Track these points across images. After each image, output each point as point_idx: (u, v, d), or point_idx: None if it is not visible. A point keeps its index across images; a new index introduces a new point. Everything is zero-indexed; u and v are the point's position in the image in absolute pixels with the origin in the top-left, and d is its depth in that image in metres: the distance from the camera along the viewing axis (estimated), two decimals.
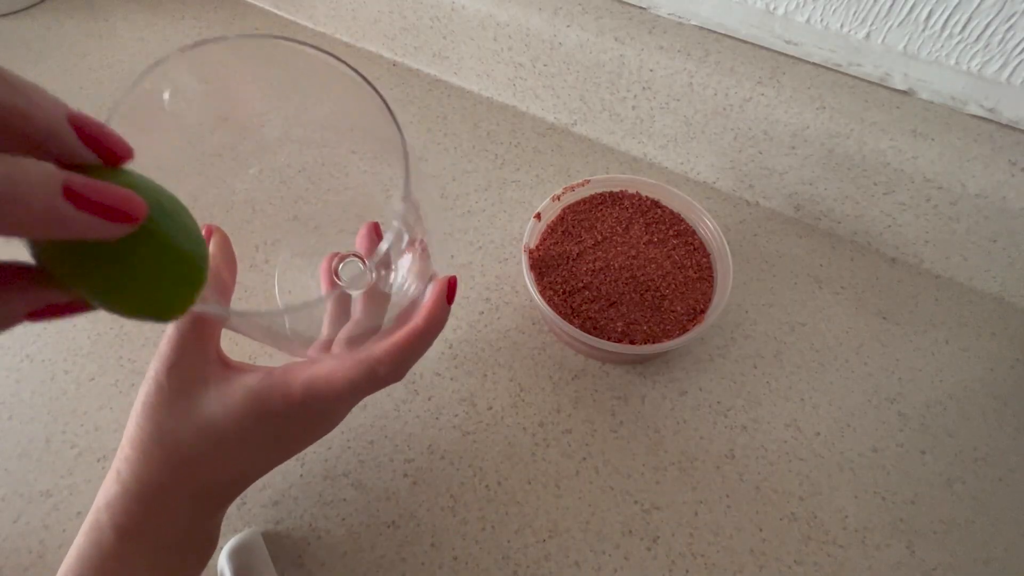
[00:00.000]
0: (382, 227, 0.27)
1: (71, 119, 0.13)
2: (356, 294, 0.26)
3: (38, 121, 0.12)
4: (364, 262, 0.25)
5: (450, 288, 0.24)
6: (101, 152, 0.13)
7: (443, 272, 0.26)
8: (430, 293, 0.24)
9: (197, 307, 0.15)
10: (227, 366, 0.24)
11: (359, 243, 0.26)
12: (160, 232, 0.13)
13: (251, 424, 0.23)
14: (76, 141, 0.13)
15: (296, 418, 0.23)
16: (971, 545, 0.31)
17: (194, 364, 0.23)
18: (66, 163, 0.12)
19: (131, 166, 0.14)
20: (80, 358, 0.36)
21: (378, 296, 0.26)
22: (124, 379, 0.36)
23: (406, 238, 0.23)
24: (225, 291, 0.24)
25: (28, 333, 0.37)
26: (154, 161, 0.22)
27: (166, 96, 0.20)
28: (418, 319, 0.24)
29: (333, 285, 0.26)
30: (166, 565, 0.23)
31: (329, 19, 0.56)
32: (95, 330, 0.37)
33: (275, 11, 0.59)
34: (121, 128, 0.15)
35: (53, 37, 0.56)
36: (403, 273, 0.24)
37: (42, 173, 0.11)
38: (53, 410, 0.34)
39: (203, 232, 0.23)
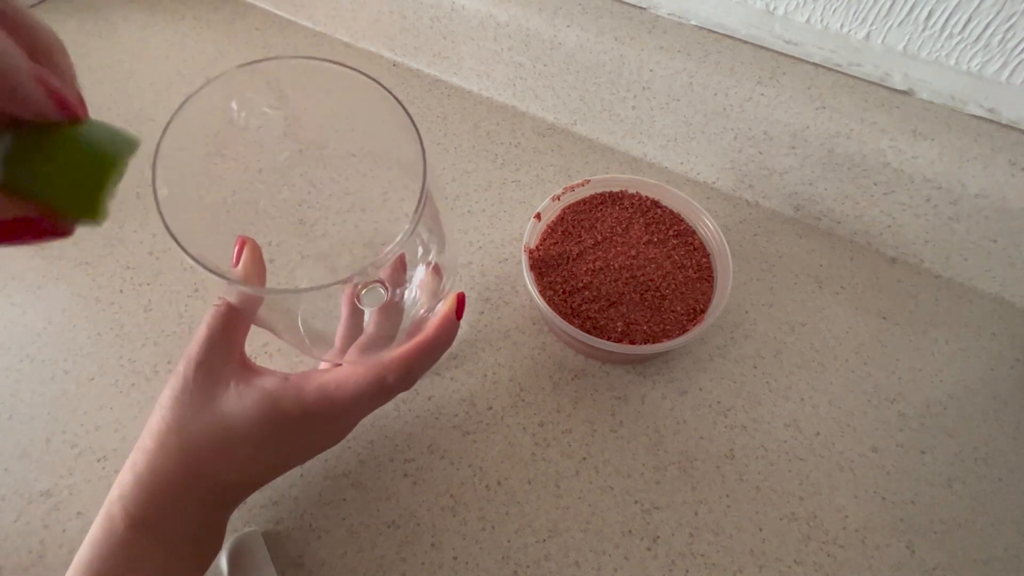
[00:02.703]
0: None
1: (38, 78, 0.15)
2: (370, 309, 0.27)
3: (9, 78, 0.14)
4: (386, 288, 0.27)
5: (459, 304, 0.26)
6: (63, 111, 0.16)
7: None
8: (440, 308, 0.26)
9: (237, 287, 0.21)
10: (248, 368, 0.26)
11: (384, 272, 0.27)
12: (86, 138, 0.16)
13: (263, 424, 0.24)
14: (44, 98, 0.15)
15: (306, 422, 0.24)
16: (971, 545, 0.31)
17: (219, 363, 0.25)
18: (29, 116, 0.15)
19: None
20: (80, 358, 0.36)
21: (391, 312, 0.27)
22: (124, 379, 0.36)
23: (420, 252, 0.24)
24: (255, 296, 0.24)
25: (28, 333, 0.37)
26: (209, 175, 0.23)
27: (233, 106, 0.22)
28: (427, 331, 0.25)
29: (354, 309, 0.27)
30: (173, 558, 0.24)
31: (329, 19, 0.56)
32: (95, 330, 0.37)
33: (275, 11, 0.59)
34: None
35: None
36: (415, 288, 0.25)
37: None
38: (53, 410, 0.34)
39: (236, 244, 0.25)
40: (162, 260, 0.41)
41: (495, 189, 0.45)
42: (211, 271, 0.18)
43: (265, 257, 0.39)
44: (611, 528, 0.31)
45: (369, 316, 0.27)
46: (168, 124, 0.20)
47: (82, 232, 0.47)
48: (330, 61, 0.20)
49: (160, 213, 0.19)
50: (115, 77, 0.52)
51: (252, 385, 0.24)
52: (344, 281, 0.18)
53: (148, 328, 0.38)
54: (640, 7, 0.43)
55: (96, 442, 0.33)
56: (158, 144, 0.19)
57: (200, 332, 0.25)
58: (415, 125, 0.20)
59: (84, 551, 0.23)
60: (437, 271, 0.25)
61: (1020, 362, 0.37)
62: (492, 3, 0.44)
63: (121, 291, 0.39)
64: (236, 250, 0.25)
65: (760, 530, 0.31)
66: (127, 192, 0.40)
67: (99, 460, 0.33)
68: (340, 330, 0.27)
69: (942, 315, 0.39)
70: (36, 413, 0.34)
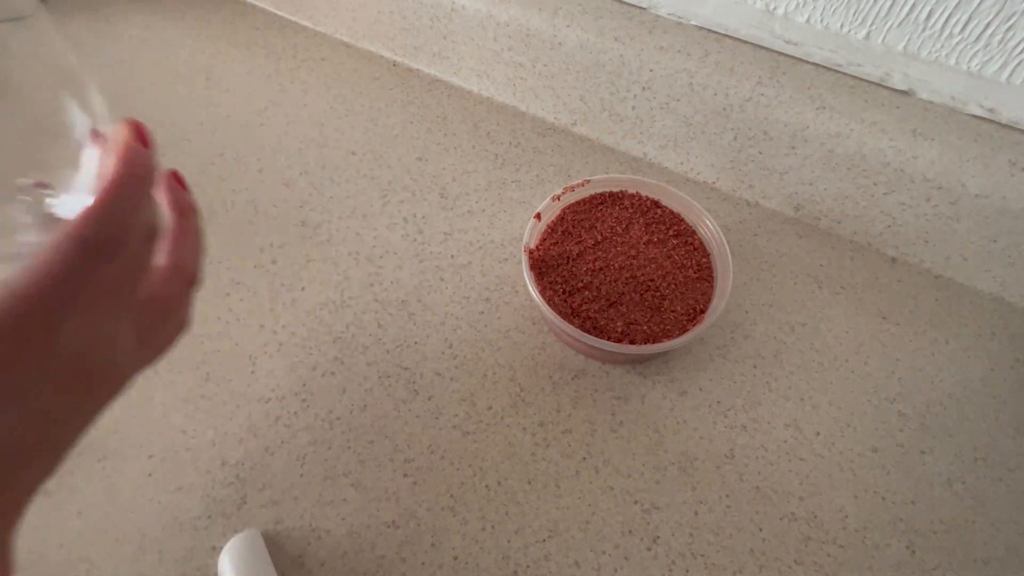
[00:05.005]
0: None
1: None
2: (70, 214, 0.21)
3: None
4: (52, 188, 0.21)
5: (135, 131, 0.21)
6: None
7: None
8: (116, 145, 0.20)
9: None
10: None
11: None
12: None
13: None
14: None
15: (7, 337, 0.18)
16: (971, 545, 0.31)
17: None
18: None
19: None
20: None
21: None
22: None
23: (76, 127, 0.20)
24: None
25: None
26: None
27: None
28: (112, 169, 0.20)
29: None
30: None
31: (329, 19, 0.56)
32: None
33: (275, 11, 0.59)
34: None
35: None
36: (91, 173, 0.21)
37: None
38: None
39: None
40: None
41: (495, 189, 0.45)
42: None
43: (268, 258, 0.39)
44: (611, 528, 0.31)
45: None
46: None
47: None
48: None
49: None
50: (116, 77, 0.52)
51: None
52: None
53: None
54: (640, 7, 0.43)
55: (96, 442, 0.33)
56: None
57: None
58: None
59: None
60: (101, 137, 0.21)
61: (1020, 362, 0.37)
62: (492, 3, 0.44)
63: None
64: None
65: (760, 530, 0.31)
66: None
67: (99, 460, 0.33)
68: None
69: (942, 315, 0.39)
70: None
